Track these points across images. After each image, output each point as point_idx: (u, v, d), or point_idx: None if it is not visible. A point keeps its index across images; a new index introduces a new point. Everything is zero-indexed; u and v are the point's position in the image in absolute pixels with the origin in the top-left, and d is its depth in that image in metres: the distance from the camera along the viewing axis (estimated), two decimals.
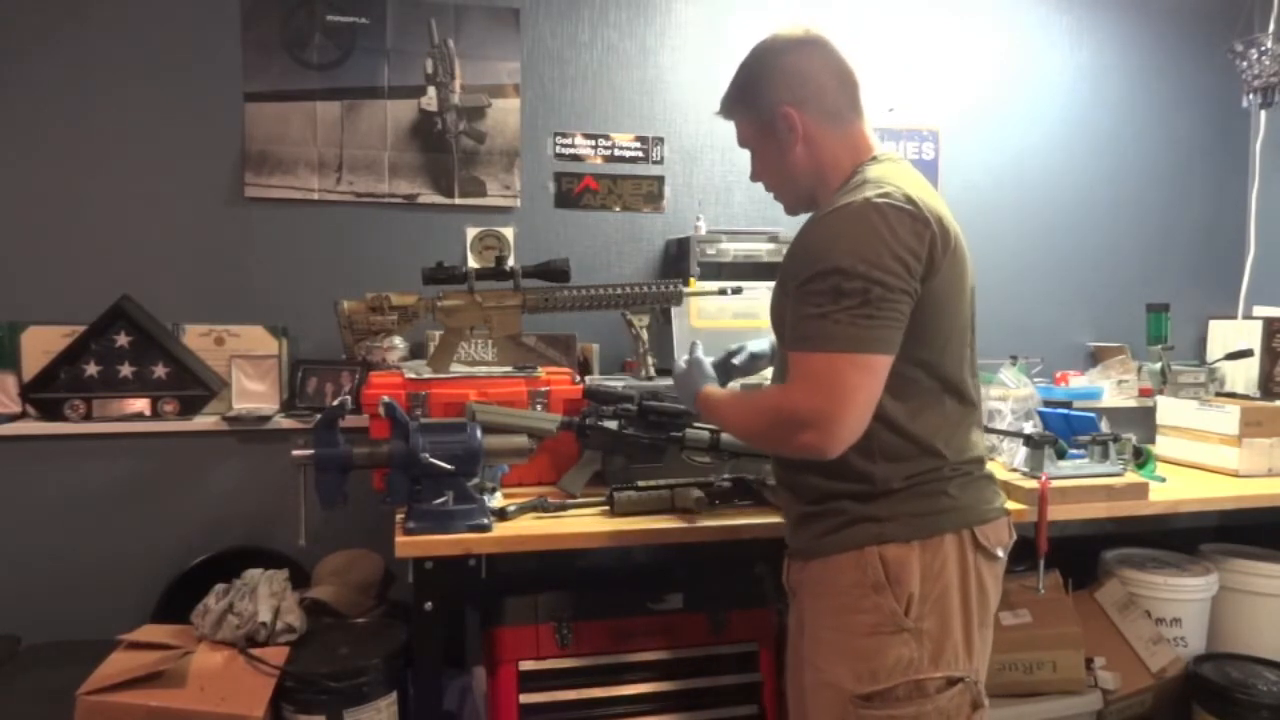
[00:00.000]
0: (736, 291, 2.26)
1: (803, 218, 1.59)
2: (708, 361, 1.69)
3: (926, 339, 1.36)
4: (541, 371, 2.16)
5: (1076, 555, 2.40)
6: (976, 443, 1.49)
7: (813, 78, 1.44)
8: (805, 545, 1.47)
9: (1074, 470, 2.07)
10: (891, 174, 1.39)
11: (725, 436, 1.99)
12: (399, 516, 1.79)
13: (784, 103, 1.43)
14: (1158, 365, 2.90)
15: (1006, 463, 2.15)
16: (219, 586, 2.12)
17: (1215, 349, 3.05)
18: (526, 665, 1.99)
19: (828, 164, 1.45)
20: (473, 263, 2.59)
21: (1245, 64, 2.95)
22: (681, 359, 1.72)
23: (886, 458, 1.38)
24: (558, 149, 2.72)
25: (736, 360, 1.80)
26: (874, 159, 1.44)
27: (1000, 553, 1.45)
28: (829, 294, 1.29)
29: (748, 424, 1.48)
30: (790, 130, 1.44)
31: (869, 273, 1.28)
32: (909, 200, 1.33)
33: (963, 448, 1.44)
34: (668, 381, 2.19)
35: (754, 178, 1.58)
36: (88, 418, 2.33)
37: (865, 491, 1.39)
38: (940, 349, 1.39)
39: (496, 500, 1.92)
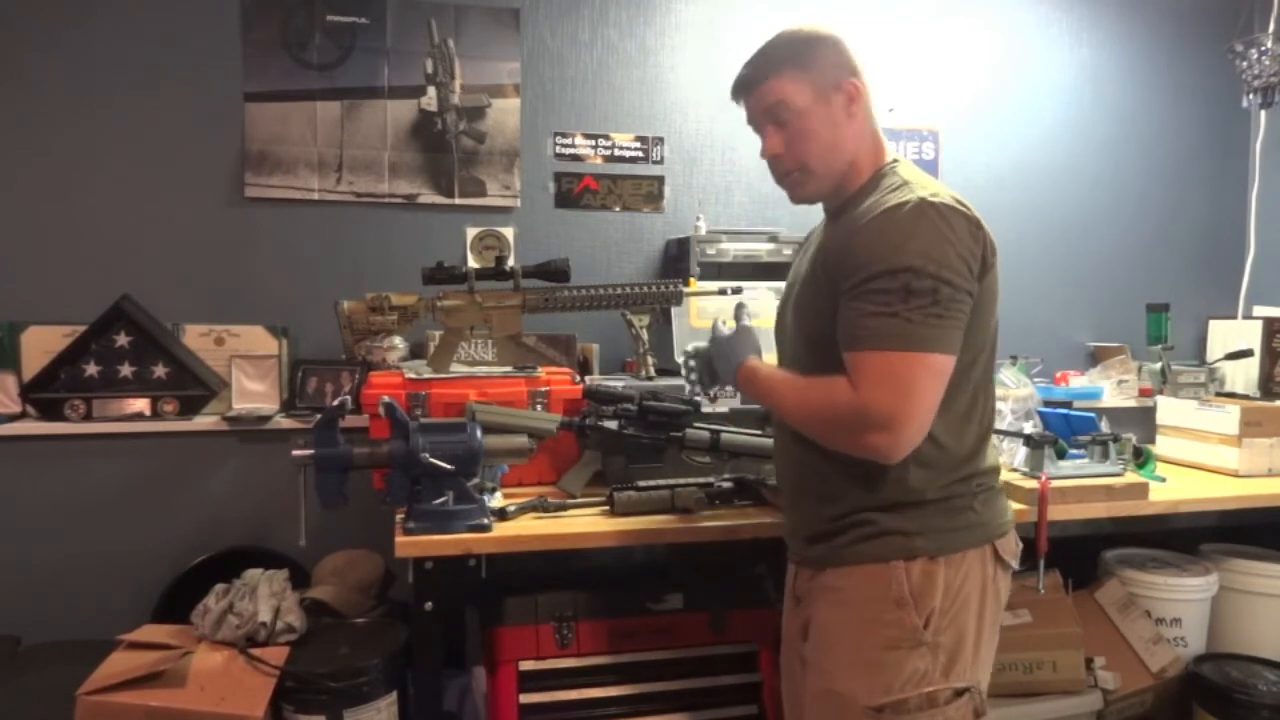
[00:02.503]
0: (736, 291, 2.26)
1: (801, 221, 1.59)
2: (756, 331, 1.58)
3: (971, 342, 1.33)
4: (541, 371, 2.16)
5: (1076, 555, 2.39)
6: (993, 450, 1.47)
7: (861, 65, 1.42)
8: (823, 554, 1.43)
9: (1074, 470, 2.07)
10: (922, 176, 1.38)
11: (725, 436, 1.99)
12: (399, 516, 1.79)
13: (849, 74, 1.40)
14: (1158, 365, 2.90)
15: (1007, 462, 2.15)
16: (219, 586, 2.11)
17: (1215, 349, 3.05)
18: (526, 665, 1.99)
19: (864, 150, 1.42)
20: (473, 263, 2.59)
21: (1245, 64, 2.95)
22: (723, 323, 1.61)
23: (921, 465, 1.35)
24: (558, 149, 2.72)
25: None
26: (895, 160, 1.44)
27: (1014, 563, 1.45)
28: (899, 293, 1.25)
29: (806, 412, 1.38)
30: (851, 102, 1.39)
31: (939, 272, 1.26)
32: (958, 201, 1.32)
33: (986, 454, 1.43)
34: (668, 381, 2.20)
35: (778, 150, 1.43)
36: (88, 418, 2.33)
37: (896, 502, 1.36)
38: (978, 352, 1.37)
39: (496, 500, 1.92)
